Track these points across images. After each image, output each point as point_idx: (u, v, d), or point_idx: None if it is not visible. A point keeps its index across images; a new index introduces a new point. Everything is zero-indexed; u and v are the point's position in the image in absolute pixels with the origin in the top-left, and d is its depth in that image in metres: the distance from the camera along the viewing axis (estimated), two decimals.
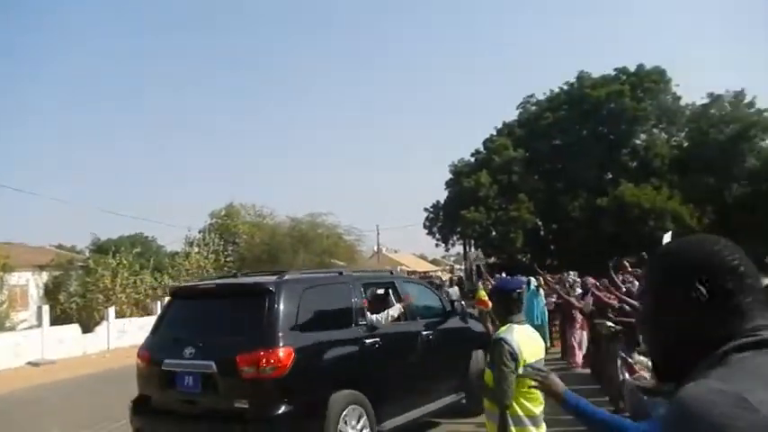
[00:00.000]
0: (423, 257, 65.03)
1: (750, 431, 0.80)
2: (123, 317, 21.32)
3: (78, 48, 74.82)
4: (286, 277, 5.71)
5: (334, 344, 5.62)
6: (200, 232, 34.71)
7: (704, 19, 72.06)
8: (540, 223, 36.62)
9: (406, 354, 6.45)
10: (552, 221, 36.81)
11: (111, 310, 20.28)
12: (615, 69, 38.17)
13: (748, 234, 30.93)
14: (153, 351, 5.73)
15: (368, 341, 5.86)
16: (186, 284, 7.08)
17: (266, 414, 4.94)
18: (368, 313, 6.08)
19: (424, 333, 6.77)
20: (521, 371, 3.04)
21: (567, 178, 36.24)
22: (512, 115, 41.82)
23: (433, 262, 63.53)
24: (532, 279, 11.72)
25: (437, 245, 41.75)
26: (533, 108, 40.67)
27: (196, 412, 5.30)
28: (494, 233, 35.88)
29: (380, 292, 6.88)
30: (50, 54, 68.30)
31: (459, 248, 45.03)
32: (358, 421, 5.46)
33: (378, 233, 48.58)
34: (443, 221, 39.60)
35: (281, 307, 5.22)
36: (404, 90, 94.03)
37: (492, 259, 37.24)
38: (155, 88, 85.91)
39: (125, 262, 24.89)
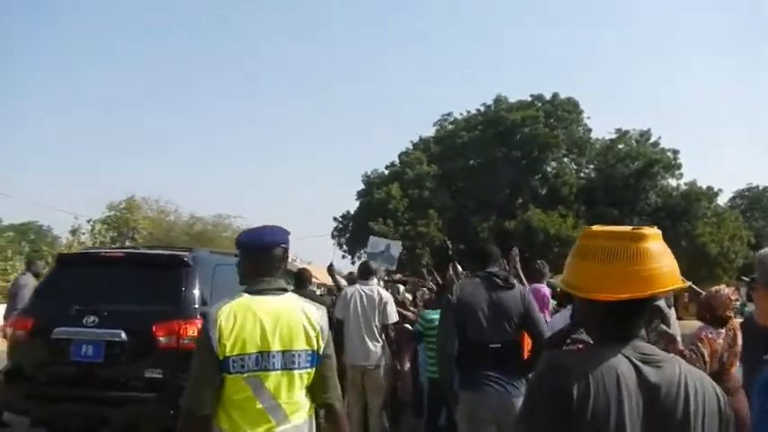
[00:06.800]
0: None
1: None
2: None
3: None
4: (199, 252, 5.72)
5: None
6: (88, 221, 31.89)
7: (620, 57, 75.92)
8: (448, 242, 36.03)
9: None
10: (460, 240, 36.35)
11: None
12: (531, 95, 38.70)
13: None
14: (38, 318, 5.11)
15: None
16: (82, 251, 6.78)
17: (180, 382, 4.39)
18: None
19: None
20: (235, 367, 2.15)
21: (479, 198, 36.00)
22: (429, 131, 41.55)
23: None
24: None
25: (344, 256, 40.34)
26: (450, 126, 40.47)
27: (94, 381, 4.88)
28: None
29: None
30: None
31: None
32: None
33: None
34: (352, 233, 38.36)
35: (197, 280, 5.12)
36: (324, 94, 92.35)
37: (397, 276, 36.24)
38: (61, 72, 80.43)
39: None
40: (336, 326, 5.52)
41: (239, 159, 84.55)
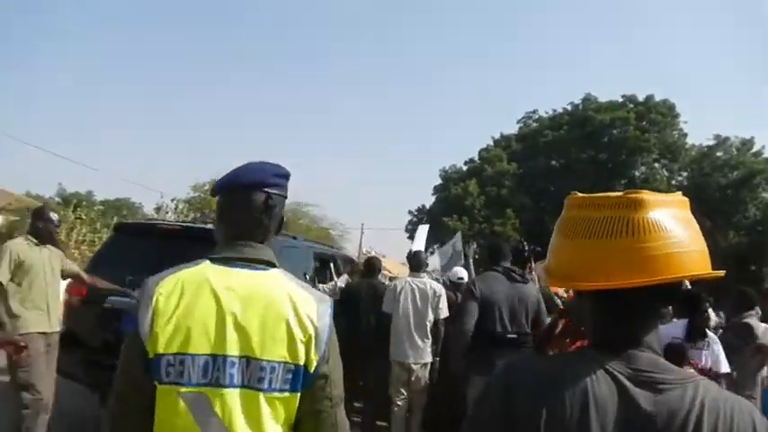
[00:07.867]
0: (406, 265, 63.05)
1: None
2: None
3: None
4: None
5: None
6: (172, 200, 33.41)
7: (724, 64, 71.13)
8: (524, 243, 35.01)
9: None
10: (537, 243, 35.24)
11: None
12: (623, 96, 36.76)
13: (739, 283, 29.42)
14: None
15: None
16: (139, 221, 6.98)
17: None
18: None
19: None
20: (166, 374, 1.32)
21: (559, 200, 34.30)
22: (511, 129, 40.46)
23: None
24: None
25: None
26: (534, 124, 39.23)
27: None
28: (474, 246, 34.29)
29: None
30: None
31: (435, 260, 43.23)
32: None
33: (362, 232, 46.77)
34: None
35: None
36: (406, 88, 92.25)
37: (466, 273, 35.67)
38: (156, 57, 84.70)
39: (84, 217, 23.28)
40: (383, 319, 5.35)
41: (322, 150, 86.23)
